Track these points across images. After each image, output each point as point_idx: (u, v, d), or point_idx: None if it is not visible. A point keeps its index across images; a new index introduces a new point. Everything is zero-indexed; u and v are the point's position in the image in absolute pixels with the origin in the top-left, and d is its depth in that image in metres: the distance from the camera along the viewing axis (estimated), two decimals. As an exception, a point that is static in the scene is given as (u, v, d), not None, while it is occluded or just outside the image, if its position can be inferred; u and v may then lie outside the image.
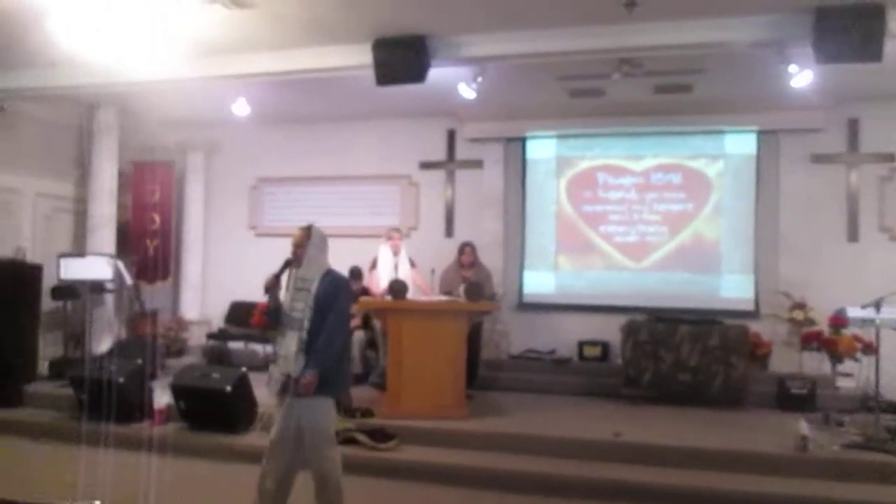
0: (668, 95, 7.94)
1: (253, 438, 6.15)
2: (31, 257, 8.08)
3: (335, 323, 4.17)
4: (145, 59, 5.51)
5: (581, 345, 8.53)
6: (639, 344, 7.64)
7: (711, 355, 7.40)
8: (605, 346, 8.46)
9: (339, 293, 4.26)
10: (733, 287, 8.50)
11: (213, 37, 6.17)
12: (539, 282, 9.12)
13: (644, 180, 8.85)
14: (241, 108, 7.83)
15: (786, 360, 7.76)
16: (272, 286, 4.26)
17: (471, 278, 7.49)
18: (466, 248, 7.96)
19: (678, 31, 5.70)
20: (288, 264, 4.26)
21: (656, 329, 7.64)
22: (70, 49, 5.29)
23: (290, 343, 4.08)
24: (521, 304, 9.11)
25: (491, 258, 8.49)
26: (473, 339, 7.34)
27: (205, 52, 6.49)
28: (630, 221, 8.86)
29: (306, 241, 4.26)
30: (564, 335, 8.69)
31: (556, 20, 5.77)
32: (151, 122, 9.49)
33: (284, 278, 4.32)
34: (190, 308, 10.08)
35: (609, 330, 8.22)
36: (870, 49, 5.11)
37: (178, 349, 9.38)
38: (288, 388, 4.06)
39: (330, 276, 4.27)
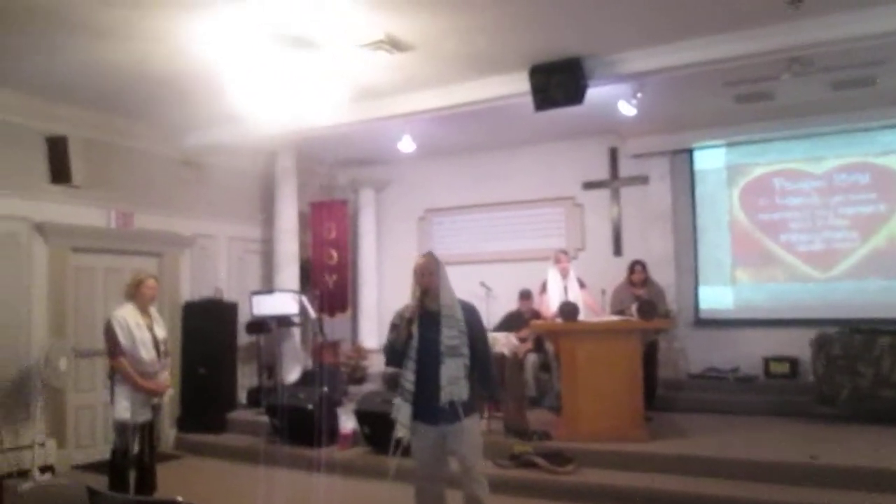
0: (848, 91, 7.38)
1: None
2: (227, 296, 8.84)
3: (486, 348, 4.30)
4: (317, 107, 5.90)
5: (766, 361, 8.07)
6: (832, 359, 7.11)
7: (917, 369, 6.74)
8: (794, 362, 7.95)
9: (478, 318, 4.35)
10: (939, 292, 7.72)
11: (377, 80, 6.52)
12: (716, 297, 8.73)
13: (826, 183, 8.27)
14: (406, 144, 8.18)
15: None
16: (413, 317, 4.15)
17: (643, 296, 7.33)
18: (637, 266, 7.80)
19: (852, 22, 5.30)
20: (425, 293, 4.16)
21: (852, 342, 7.07)
22: (251, 104, 5.78)
23: (454, 370, 4.03)
24: (698, 320, 8.76)
25: (662, 275, 8.27)
26: (649, 359, 7.17)
27: (370, 95, 6.87)
28: (813, 228, 8.29)
29: (437, 269, 4.22)
30: (747, 352, 8.25)
31: (715, 26, 5.57)
32: (325, 164, 10.17)
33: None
34: (368, 337, 10.56)
35: (797, 345, 7.73)
36: None
37: (359, 377, 9.84)
38: (451, 413, 4.04)
39: (463, 303, 4.32)
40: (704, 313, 8.76)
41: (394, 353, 4.19)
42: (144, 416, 5.38)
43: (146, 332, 5.37)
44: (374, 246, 10.82)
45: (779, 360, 7.99)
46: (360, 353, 10.19)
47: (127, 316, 5.35)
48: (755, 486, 5.36)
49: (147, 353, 5.33)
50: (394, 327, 4.19)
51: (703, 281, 8.81)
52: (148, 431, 5.47)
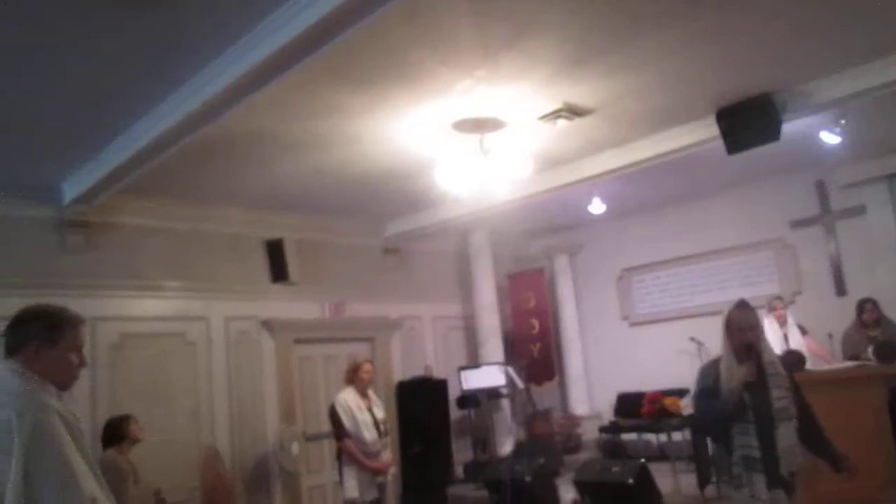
0: None
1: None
2: (437, 373, 9.11)
3: (810, 406, 3.79)
4: (504, 182, 6.06)
5: None
6: None
7: None
8: None
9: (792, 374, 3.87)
10: None
11: (559, 148, 6.60)
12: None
13: None
14: (596, 207, 8.13)
15: None
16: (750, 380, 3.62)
17: (878, 337, 6.63)
18: (867, 305, 7.10)
19: None
20: (751, 349, 3.69)
21: None
22: (443, 188, 6.06)
23: (789, 436, 3.57)
24: (950, 360, 7.72)
25: (897, 312, 7.44)
26: (895, 409, 6.40)
27: (554, 163, 6.96)
28: None
29: (758, 321, 3.79)
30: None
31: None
32: (518, 236, 10.34)
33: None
34: (579, 404, 10.38)
35: None
36: None
37: (573, 445, 9.65)
38: (789, 486, 3.59)
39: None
40: (957, 351, 7.71)
41: (719, 421, 3.68)
42: (372, 494, 5.61)
43: (367, 414, 5.66)
44: (574, 311, 10.72)
45: None
46: (572, 420, 10.02)
47: (348, 399, 5.67)
48: None
49: (369, 434, 5.60)
50: (708, 393, 3.73)
51: (950, 314, 7.79)
52: (376, 510, 5.70)
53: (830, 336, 6.96)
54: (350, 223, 8.63)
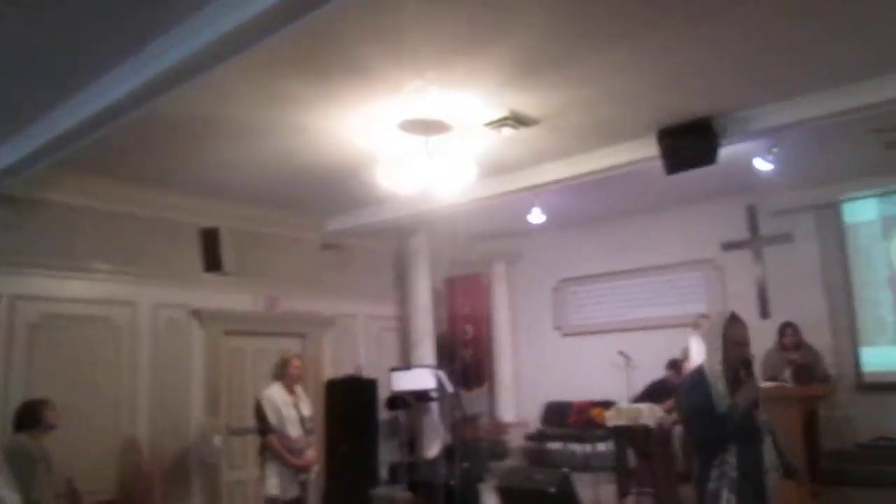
0: None
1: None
2: (367, 373, 9.06)
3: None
4: (447, 186, 6.06)
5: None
6: None
7: None
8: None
9: None
10: None
11: (503, 155, 6.65)
12: (881, 358, 8.03)
13: None
14: (536, 216, 8.22)
15: None
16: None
17: (797, 360, 6.87)
18: (788, 329, 7.35)
19: None
20: (750, 365, 3.65)
21: None
22: (386, 188, 6.03)
23: (771, 451, 3.56)
24: (862, 384, 8.07)
25: (817, 337, 7.70)
26: (809, 428, 6.65)
27: (498, 170, 7.00)
28: None
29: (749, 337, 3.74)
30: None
31: (853, 73, 5.32)
32: (457, 240, 10.37)
33: None
34: (507, 411, 10.45)
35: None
36: None
37: (499, 451, 9.71)
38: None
39: None
40: (870, 377, 8.06)
41: (724, 441, 3.50)
42: (293, 492, 5.54)
43: (293, 410, 5.59)
44: (508, 318, 10.81)
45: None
46: (500, 427, 10.09)
47: (275, 395, 5.59)
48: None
49: (294, 430, 5.53)
50: (704, 411, 3.52)
51: (865, 342, 8.15)
52: (297, 508, 5.62)
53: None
54: (290, 216, 8.52)
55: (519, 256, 10.88)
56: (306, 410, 5.77)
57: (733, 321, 3.69)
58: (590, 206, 9.06)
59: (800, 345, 7.25)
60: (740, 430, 3.46)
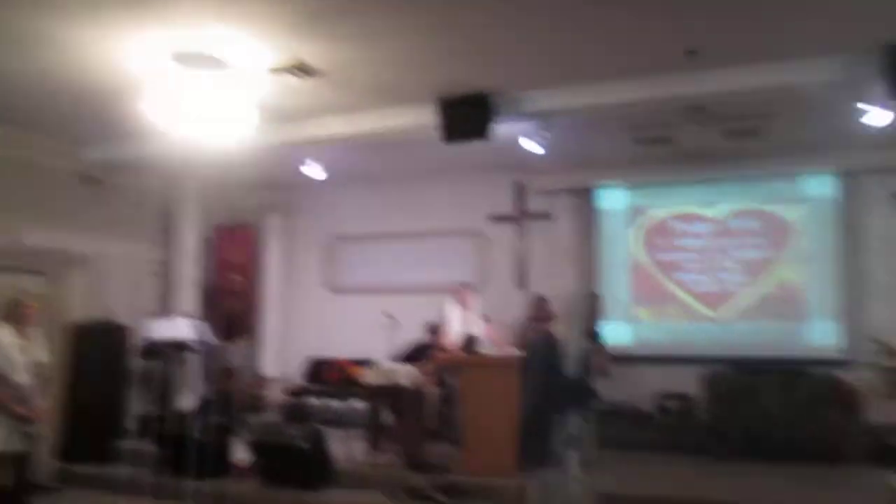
0: (739, 140, 7.78)
1: (330, 495, 6.23)
2: (123, 319, 8.44)
3: None
4: (223, 128, 5.77)
5: (661, 398, 8.26)
6: (722, 397, 7.40)
7: (801, 407, 7.09)
8: (687, 400, 8.17)
9: None
10: (820, 335, 8.16)
11: (285, 104, 6.45)
12: (616, 333, 8.92)
13: (721, 227, 8.67)
14: (314, 170, 8.09)
15: (882, 411, 7.31)
16: None
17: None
18: (539, 302, 7.91)
19: (743, 75, 5.61)
20: (595, 337, 4.20)
21: (740, 381, 7.40)
22: (155, 121, 5.61)
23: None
24: (598, 355, 8.93)
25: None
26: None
27: (278, 118, 6.78)
28: (708, 270, 8.66)
29: None
30: (643, 388, 8.44)
31: (618, 71, 5.79)
32: (232, 187, 9.93)
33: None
34: (269, 365, 10.31)
35: (690, 382, 7.96)
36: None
37: (258, 406, 9.55)
38: None
39: None
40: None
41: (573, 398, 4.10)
42: (16, 445, 5.05)
43: (21, 355, 5.07)
44: (279, 272, 10.61)
45: (673, 397, 8.21)
46: (260, 382, 9.91)
47: (2, 337, 5.04)
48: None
49: (22, 377, 5.03)
50: (562, 376, 4.05)
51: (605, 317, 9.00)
52: (21, 462, 5.14)
53: (507, 325, 7.66)
54: (41, 139, 7.64)
55: (294, 209, 10.68)
56: (39, 356, 5.26)
57: (593, 297, 4.12)
58: (369, 167, 9.10)
59: (550, 317, 7.84)
60: (585, 392, 3.84)
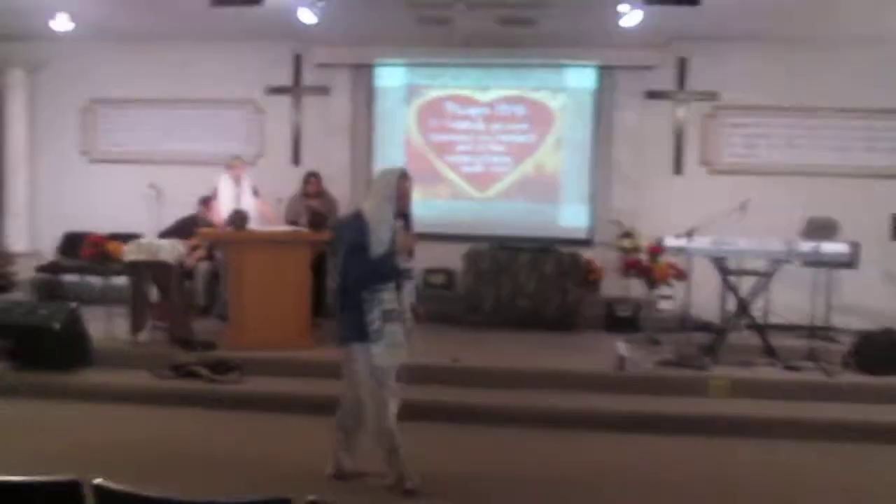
0: (512, 28, 8.05)
1: (88, 376, 5.99)
2: None
3: None
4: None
5: (426, 273, 8.72)
6: (480, 272, 7.94)
7: (548, 281, 7.82)
8: (450, 275, 8.71)
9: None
10: (571, 216, 8.95)
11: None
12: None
13: (490, 111, 9.02)
14: (61, 23, 7.20)
15: (615, 286, 8.30)
16: None
17: (316, 208, 7.44)
18: (311, 178, 7.88)
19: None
20: (408, 218, 4.15)
21: (497, 257, 7.96)
22: None
23: (409, 293, 4.19)
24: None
25: (338, 187, 8.48)
26: (319, 269, 7.35)
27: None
28: (476, 152, 9.05)
29: None
30: (412, 263, 8.79)
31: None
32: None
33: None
34: (17, 239, 9.42)
35: (455, 258, 8.43)
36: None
37: (4, 284, 8.78)
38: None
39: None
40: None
41: (375, 280, 3.99)
42: None
43: None
44: (25, 135, 9.51)
45: (437, 271, 8.69)
46: (7, 257, 9.07)
47: None
48: (403, 388, 5.86)
49: None
50: (363, 251, 3.92)
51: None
52: None
53: (280, 201, 7.58)
54: None
55: (43, 66, 9.49)
56: None
57: (404, 177, 4.07)
58: (131, 23, 8.27)
59: (320, 193, 7.85)
60: (392, 272, 3.96)
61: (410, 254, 4.16)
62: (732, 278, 6.66)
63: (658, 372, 6.13)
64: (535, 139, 8.97)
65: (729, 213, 6.48)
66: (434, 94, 9.08)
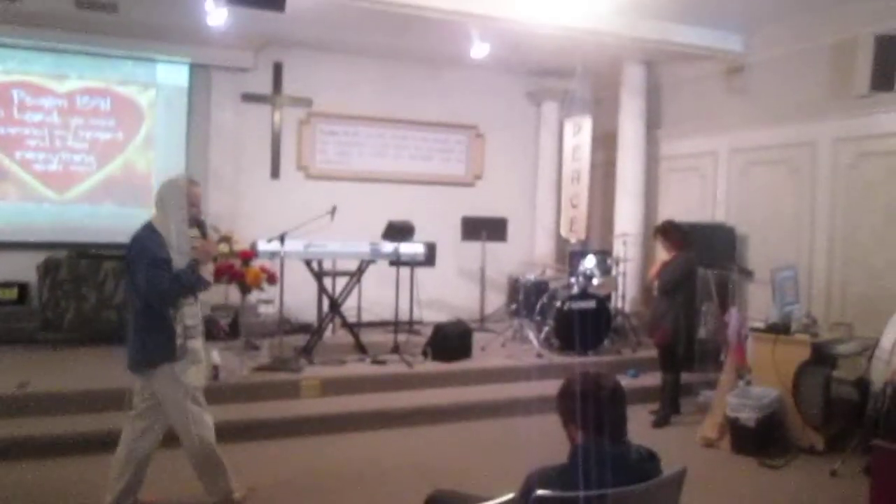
0: (93, 13, 7.30)
1: None
2: None
3: None
4: None
5: (-5, 287, 7.53)
6: (58, 283, 7.08)
7: (138, 291, 7.24)
8: (23, 288, 7.61)
9: None
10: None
11: None
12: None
13: (68, 103, 8.07)
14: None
15: (214, 292, 7.95)
16: None
17: None
18: None
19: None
20: (202, 225, 4.00)
21: (78, 266, 7.17)
22: None
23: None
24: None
25: None
26: None
27: None
28: (52, 148, 8.01)
29: None
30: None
31: None
32: None
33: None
34: None
35: (27, 269, 7.41)
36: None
37: None
38: None
39: None
40: None
41: (180, 294, 3.77)
42: None
43: None
44: None
45: (6, 285, 7.54)
46: None
47: None
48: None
49: None
50: (166, 264, 3.68)
51: None
52: None
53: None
54: None
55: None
56: None
57: (193, 183, 3.91)
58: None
59: None
60: (198, 284, 3.78)
61: (215, 261, 4.16)
62: (327, 279, 6.88)
63: (253, 378, 6.05)
64: (122, 137, 8.26)
65: (319, 217, 6.66)
66: (-3, 79, 7.84)
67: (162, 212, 3.78)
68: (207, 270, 3.93)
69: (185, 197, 3.79)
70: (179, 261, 3.71)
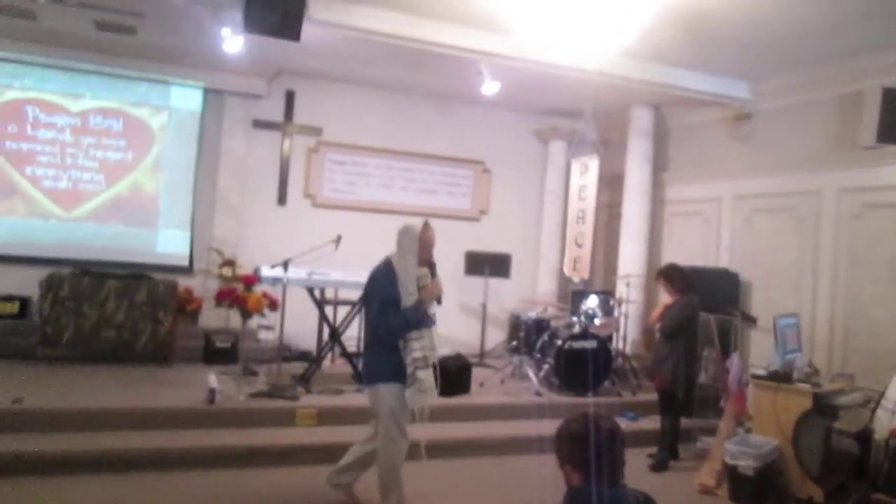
0: (111, 35, 7.41)
1: None
2: None
3: None
4: None
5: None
6: (60, 299, 7.07)
7: (139, 311, 7.26)
8: (25, 303, 7.60)
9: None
10: (170, 242, 8.45)
11: None
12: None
13: (81, 122, 8.15)
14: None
15: (215, 316, 7.99)
16: None
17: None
18: None
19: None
20: (433, 266, 4.33)
21: (80, 283, 7.16)
22: None
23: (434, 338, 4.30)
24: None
25: None
26: None
27: None
28: (62, 166, 8.08)
29: None
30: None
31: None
32: None
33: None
34: None
35: (30, 284, 7.41)
36: (290, 28, 5.44)
37: None
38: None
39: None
40: None
41: (408, 329, 4.14)
42: None
43: None
44: None
45: (8, 299, 7.54)
46: None
47: None
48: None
49: None
50: (395, 302, 4.11)
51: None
52: None
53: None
54: None
55: None
56: None
57: (428, 227, 4.24)
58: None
59: None
60: (420, 320, 4.11)
61: (439, 301, 4.29)
62: (328, 308, 6.87)
63: (249, 404, 6.01)
64: (132, 158, 8.32)
65: (323, 246, 6.67)
66: (12, 95, 7.91)
67: (399, 251, 4.20)
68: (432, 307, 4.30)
69: (417, 242, 4.18)
70: (407, 299, 4.08)
